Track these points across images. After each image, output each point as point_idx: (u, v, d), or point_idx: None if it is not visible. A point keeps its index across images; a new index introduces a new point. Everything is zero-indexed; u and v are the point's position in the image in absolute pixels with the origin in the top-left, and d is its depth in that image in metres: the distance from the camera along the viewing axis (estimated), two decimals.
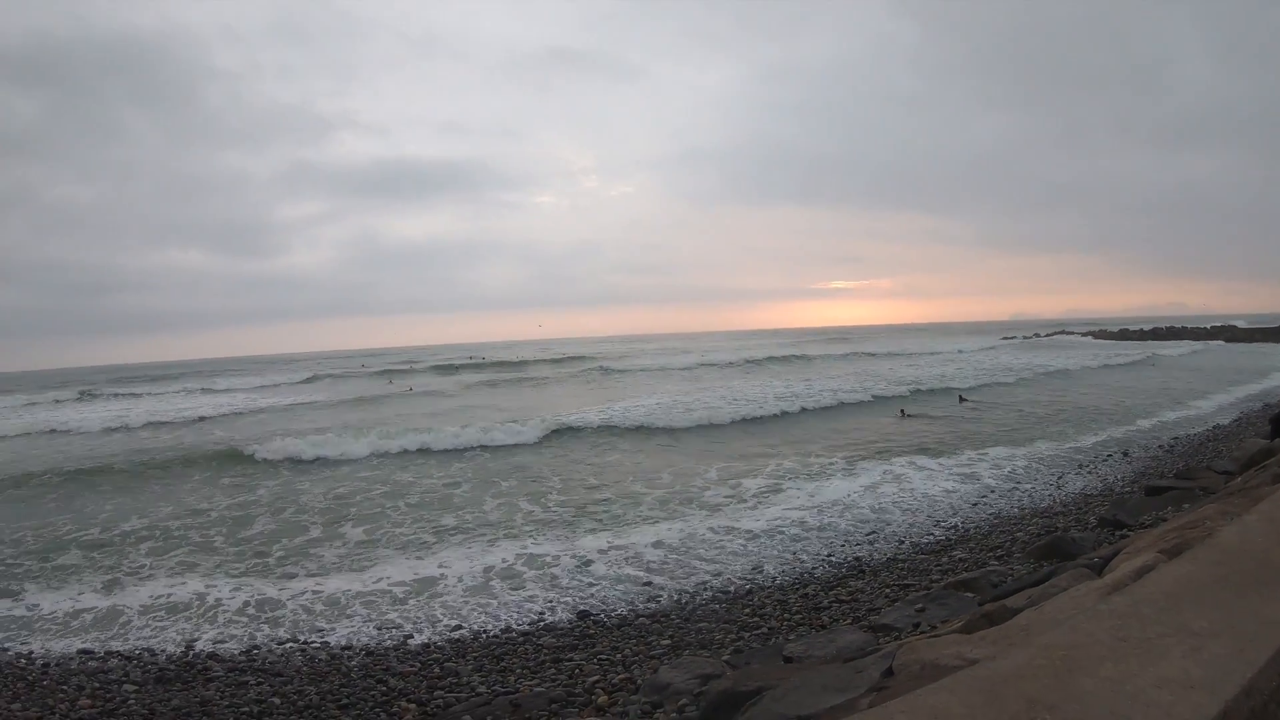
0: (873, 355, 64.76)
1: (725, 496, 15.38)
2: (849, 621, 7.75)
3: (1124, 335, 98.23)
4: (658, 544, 12.15)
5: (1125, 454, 18.04)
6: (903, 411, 28.11)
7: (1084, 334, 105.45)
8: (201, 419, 34.77)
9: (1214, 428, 21.60)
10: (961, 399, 31.53)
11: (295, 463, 20.26)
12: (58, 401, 51.33)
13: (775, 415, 26.43)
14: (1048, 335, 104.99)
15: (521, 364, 71.17)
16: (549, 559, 11.69)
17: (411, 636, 9.06)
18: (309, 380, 63.02)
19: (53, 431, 32.37)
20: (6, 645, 9.30)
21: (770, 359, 58.47)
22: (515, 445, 22.18)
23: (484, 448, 21.86)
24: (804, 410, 27.74)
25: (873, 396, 31.52)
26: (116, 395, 54.74)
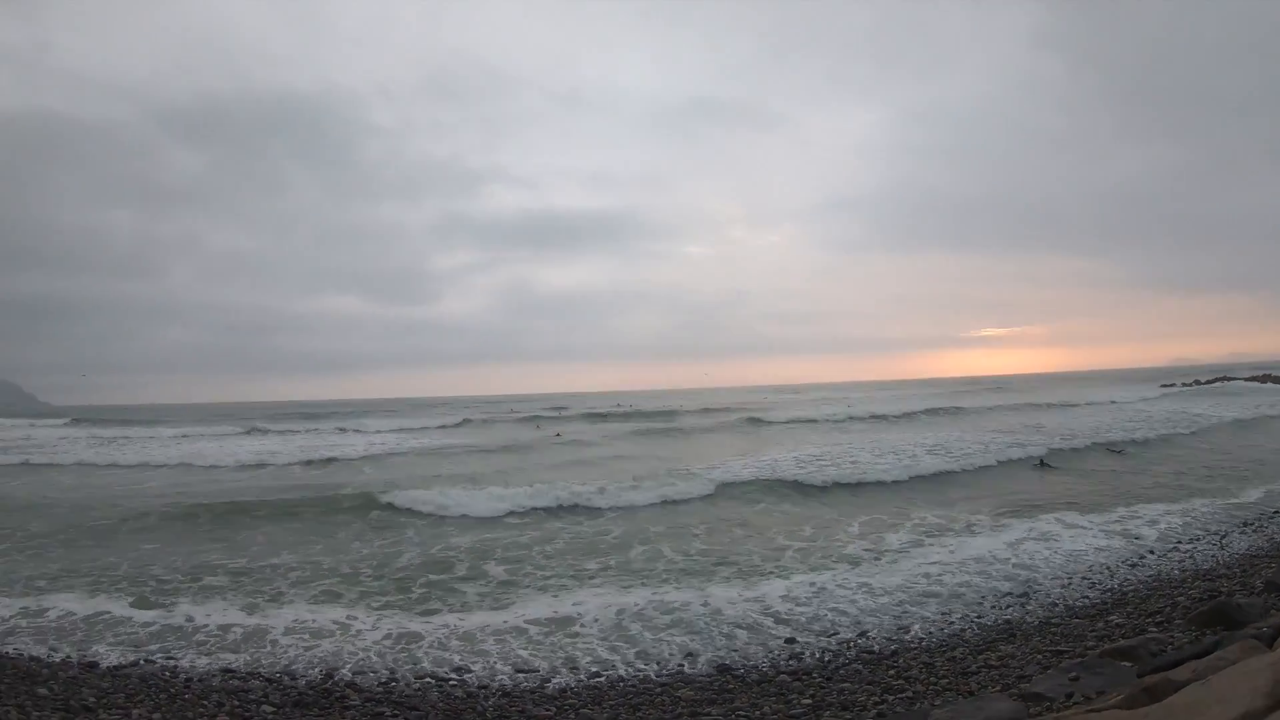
0: (1024, 406, 61.60)
1: (866, 550, 15.15)
2: (998, 689, 7.49)
3: None
4: (797, 598, 12.07)
5: None
6: (1042, 462, 27.00)
7: (1249, 379, 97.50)
8: (352, 459, 36.50)
9: None
10: (1111, 451, 29.96)
11: (442, 506, 20.76)
12: (221, 435, 54.98)
13: (921, 470, 25.53)
14: (1208, 382, 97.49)
15: (669, 413, 71.17)
16: (681, 605, 11.78)
17: (549, 680, 9.21)
18: (460, 424, 65.06)
19: (212, 467, 34.47)
20: (154, 657, 9.98)
21: (921, 411, 56.23)
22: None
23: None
24: (949, 464, 26.60)
25: (1020, 449, 30.09)
26: (276, 432, 58.03)
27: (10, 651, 10.15)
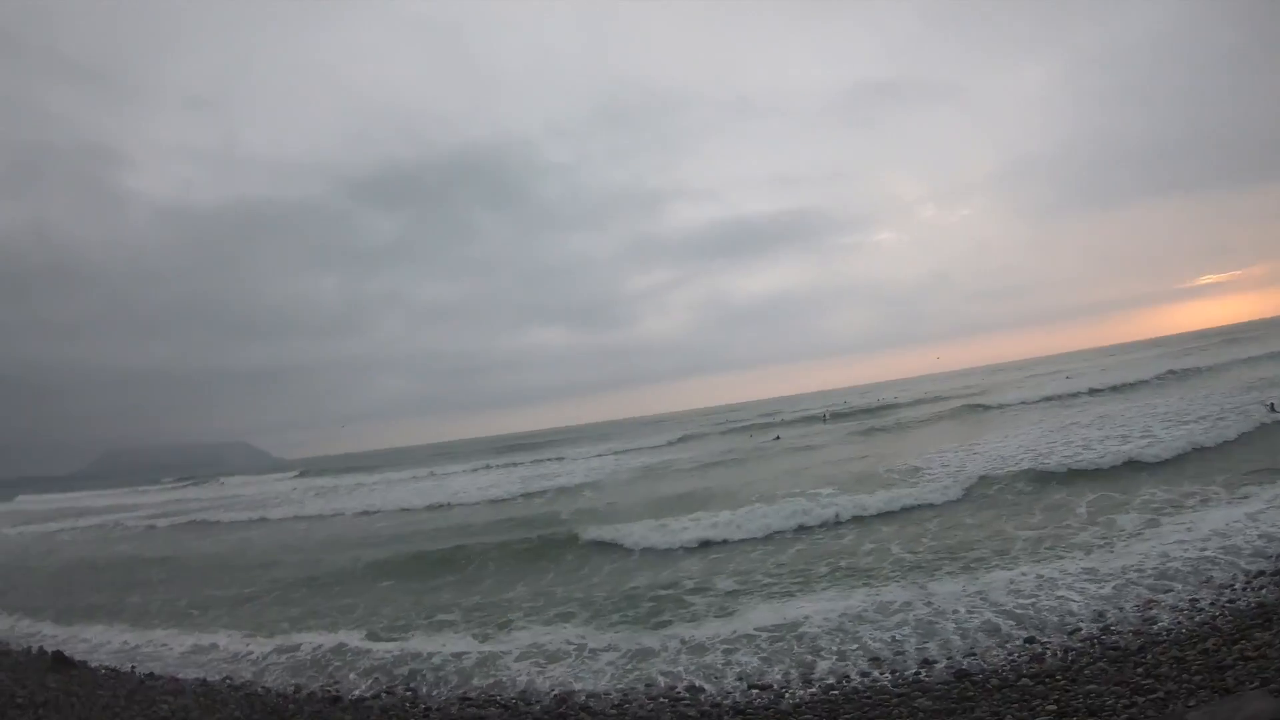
0: (1263, 358, 55.82)
1: (1099, 537, 14.46)
2: (1256, 684, 6.86)
3: None
4: (1027, 591, 11.68)
5: None
6: (1272, 406, 24.64)
7: None
8: (572, 485, 37.91)
9: None
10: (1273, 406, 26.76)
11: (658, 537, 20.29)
12: (441, 474, 58.65)
13: (1150, 446, 23.61)
14: None
15: (887, 408, 69.46)
16: (915, 604, 11.68)
17: (782, 697, 9.17)
18: (678, 440, 65.57)
19: (446, 505, 36.59)
20: (393, 688, 10.82)
21: (1141, 382, 51.73)
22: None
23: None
24: (1182, 438, 24.21)
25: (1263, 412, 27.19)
26: (499, 466, 60.64)
27: (260, 689, 11.46)
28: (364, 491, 50.07)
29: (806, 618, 11.70)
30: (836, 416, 66.67)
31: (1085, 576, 12.04)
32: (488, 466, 60.70)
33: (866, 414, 66.17)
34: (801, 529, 19.07)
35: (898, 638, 10.63)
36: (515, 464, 60.47)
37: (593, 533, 20.81)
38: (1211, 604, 10.26)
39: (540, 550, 20.34)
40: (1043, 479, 21.41)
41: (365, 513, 37.37)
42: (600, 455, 57.04)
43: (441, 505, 36.56)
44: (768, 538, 18.63)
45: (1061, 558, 13.37)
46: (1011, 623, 10.64)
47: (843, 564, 15.17)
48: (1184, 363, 62.17)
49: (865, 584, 13.45)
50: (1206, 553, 12.29)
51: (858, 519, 19.28)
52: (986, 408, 51.82)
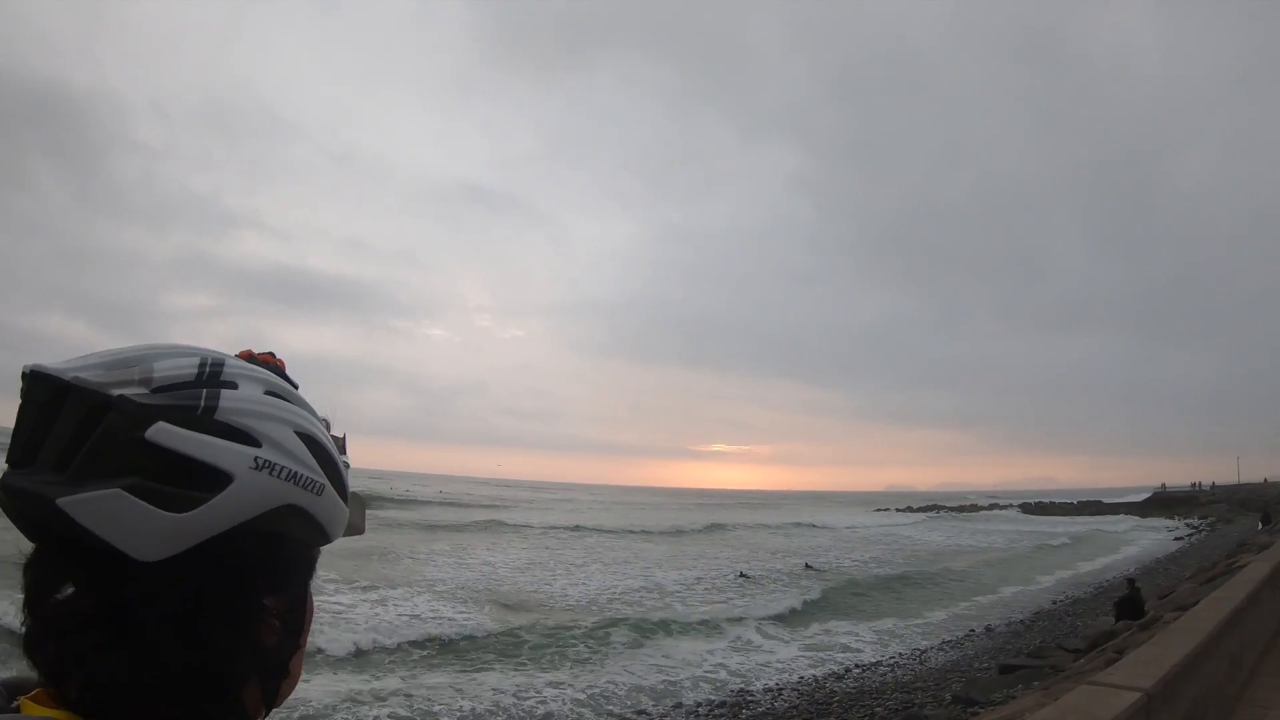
0: (787, 525, 64.60)
1: None
2: None
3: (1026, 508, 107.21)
4: None
5: (988, 629, 18.62)
6: (742, 573, 29.24)
7: (955, 508, 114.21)
8: None
9: (1074, 601, 22.52)
10: (807, 566, 33.01)
11: None
12: None
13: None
14: (920, 509, 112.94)
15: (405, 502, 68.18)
16: None
17: None
18: None
19: None
20: None
21: (645, 531, 51.60)
22: None
23: None
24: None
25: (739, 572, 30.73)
26: None
27: None
28: None
29: None
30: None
31: None
32: None
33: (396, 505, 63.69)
34: None
35: None
36: None
37: None
38: None
39: None
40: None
41: None
42: None
43: None
44: None
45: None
46: None
47: None
48: (718, 517, 70.19)
49: None
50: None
51: None
52: (503, 525, 50.60)
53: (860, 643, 17.13)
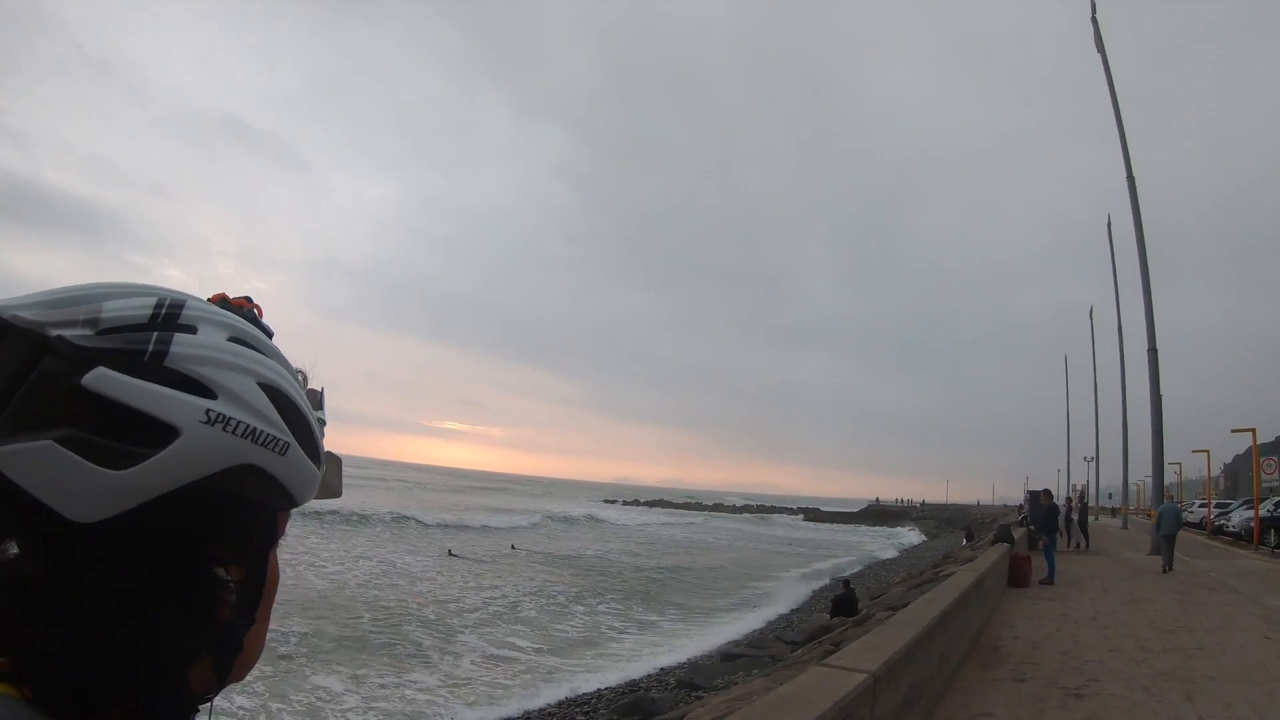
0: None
1: None
2: None
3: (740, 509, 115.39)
4: None
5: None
6: (450, 551, 29.50)
7: (681, 504, 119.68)
8: None
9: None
10: (513, 546, 34.27)
11: None
12: None
13: None
14: (647, 503, 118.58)
15: None
16: None
17: None
18: None
19: None
20: None
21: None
22: None
23: None
24: None
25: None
26: None
27: None
28: None
29: None
30: None
31: None
32: None
33: None
34: None
35: None
36: None
37: None
38: None
39: None
40: None
41: None
42: None
43: None
44: None
45: None
46: None
47: None
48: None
49: None
50: None
51: None
52: None
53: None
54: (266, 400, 0.77)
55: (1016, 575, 13.96)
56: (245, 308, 0.85)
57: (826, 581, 28.66)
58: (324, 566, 21.62)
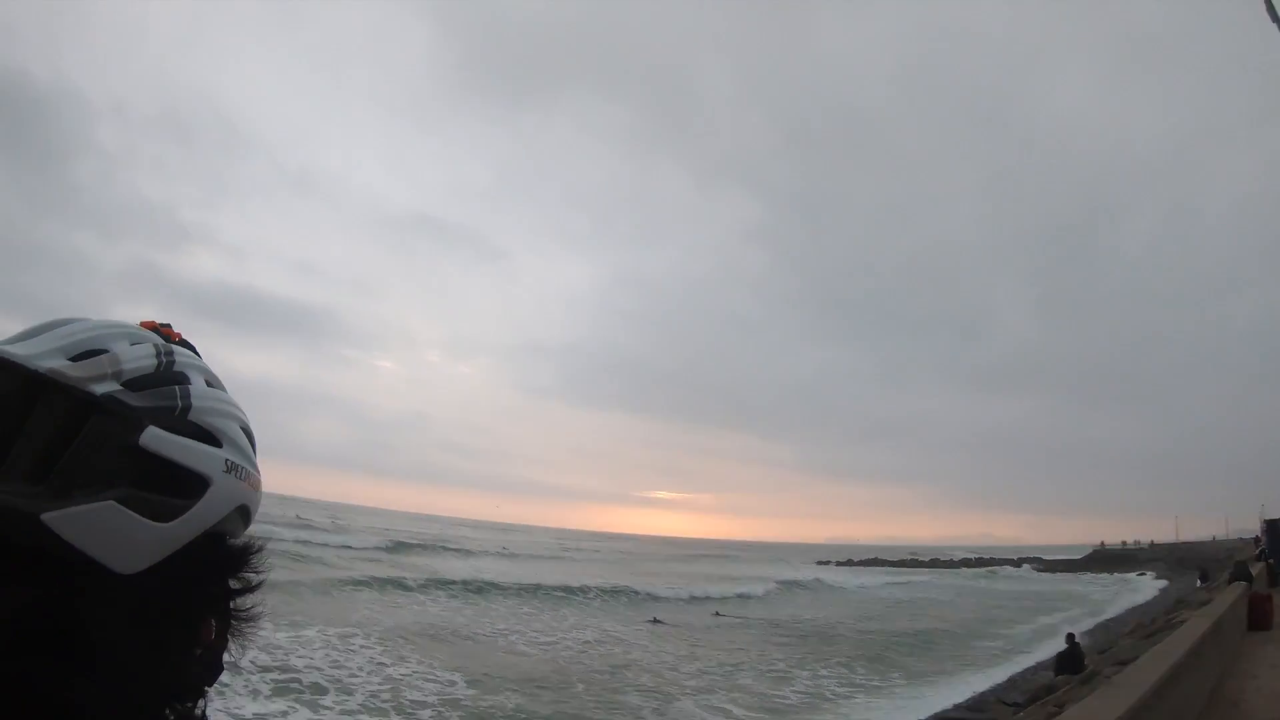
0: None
1: None
2: None
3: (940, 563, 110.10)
4: None
5: None
6: (655, 619, 28.61)
7: (894, 562, 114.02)
8: None
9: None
10: (717, 613, 32.91)
11: None
12: None
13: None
14: (861, 562, 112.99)
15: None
16: None
17: None
18: None
19: None
20: None
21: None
22: None
23: None
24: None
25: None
26: None
27: None
28: None
29: None
30: None
31: None
32: None
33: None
34: None
35: None
36: None
37: None
38: None
39: None
40: None
41: None
42: None
43: None
44: None
45: None
46: None
47: None
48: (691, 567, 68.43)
49: None
50: None
51: None
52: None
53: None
54: (246, 441, 0.82)
55: (1257, 617, 12.48)
56: (175, 338, 0.85)
57: (1051, 638, 26.07)
58: (536, 638, 21.98)
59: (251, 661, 13.47)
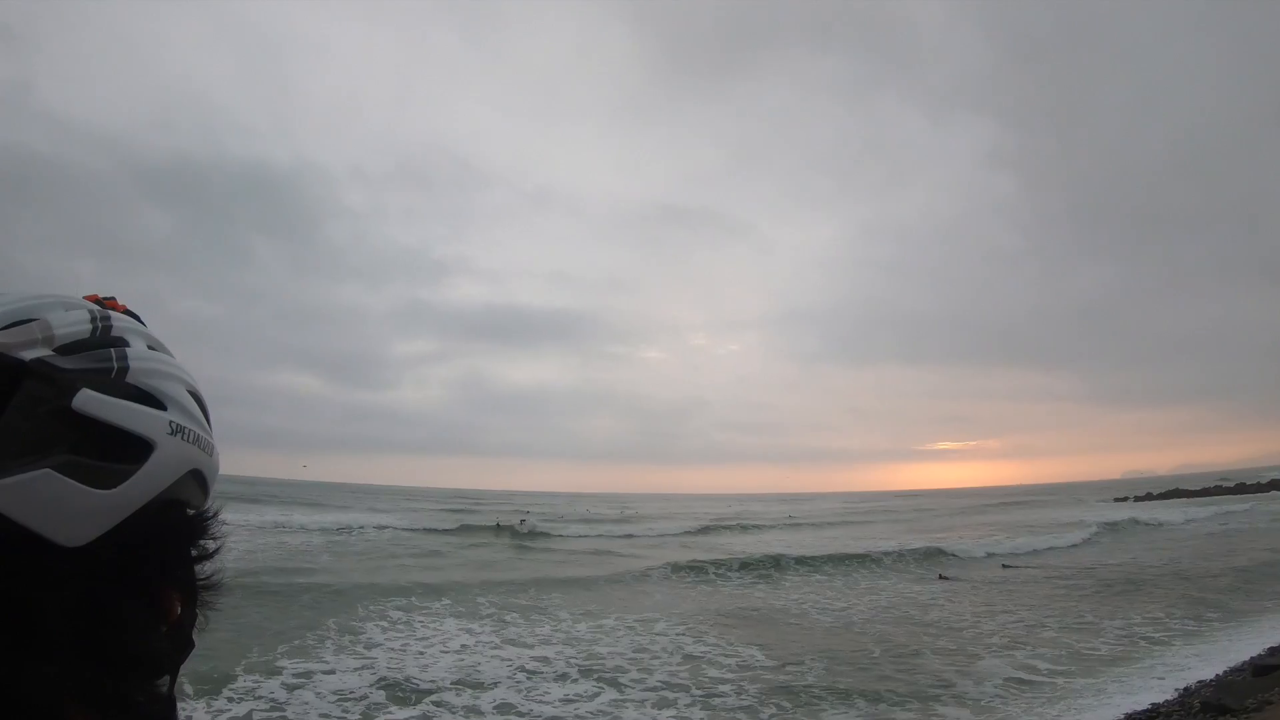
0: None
1: None
2: None
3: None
4: None
5: None
6: (941, 575, 27.80)
7: (1198, 491, 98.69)
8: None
9: None
10: (1005, 566, 31.13)
11: None
12: None
13: None
14: (1160, 495, 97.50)
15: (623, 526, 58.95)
16: None
17: None
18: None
19: None
20: None
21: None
22: None
23: None
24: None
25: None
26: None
27: None
28: None
29: None
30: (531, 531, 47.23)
31: None
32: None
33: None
34: None
35: None
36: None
37: None
38: None
39: None
40: None
41: None
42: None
43: None
44: None
45: None
46: None
47: None
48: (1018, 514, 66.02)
49: None
50: None
51: None
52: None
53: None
54: (195, 404, 0.80)
55: None
56: (118, 309, 0.83)
57: None
58: (828, 605, 22.60)
59: (558, 652, 15.07)
